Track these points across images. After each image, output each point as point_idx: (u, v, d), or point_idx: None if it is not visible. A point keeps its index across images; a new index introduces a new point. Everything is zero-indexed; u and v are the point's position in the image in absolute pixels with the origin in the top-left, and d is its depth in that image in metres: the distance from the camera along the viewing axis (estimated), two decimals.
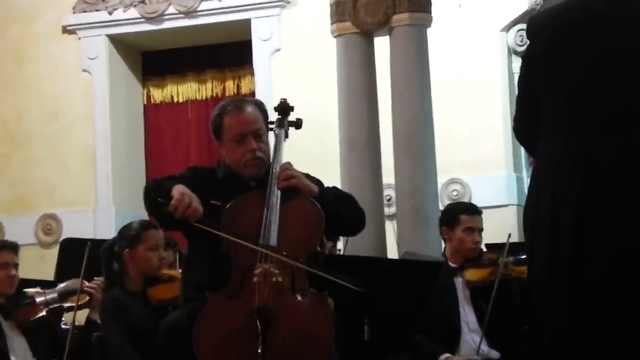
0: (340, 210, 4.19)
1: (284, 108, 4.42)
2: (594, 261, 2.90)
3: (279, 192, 4.09)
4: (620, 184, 2.90)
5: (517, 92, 3.28)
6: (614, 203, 2.90)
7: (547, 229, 2.99)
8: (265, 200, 4.04)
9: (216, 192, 4.13)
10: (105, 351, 4.94)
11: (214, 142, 4.42)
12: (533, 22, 3.19)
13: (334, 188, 4.36)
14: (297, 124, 4.40)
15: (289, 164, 4.21)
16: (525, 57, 3.24)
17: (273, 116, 4.45)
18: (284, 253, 3.96)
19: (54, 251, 6.82)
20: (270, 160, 4.22)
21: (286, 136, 4.36)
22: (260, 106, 4.37)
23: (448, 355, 5.31)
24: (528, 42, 3.23)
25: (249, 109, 4.29)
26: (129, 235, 5.11)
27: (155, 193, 4.06)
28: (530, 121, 3.14)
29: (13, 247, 5.48)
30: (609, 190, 2.91)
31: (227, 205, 4.05)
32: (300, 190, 4.13)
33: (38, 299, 5.37)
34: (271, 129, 4.38)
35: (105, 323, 5.01)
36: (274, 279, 3.89)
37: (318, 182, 4.27)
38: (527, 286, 3.24)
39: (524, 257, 5.06)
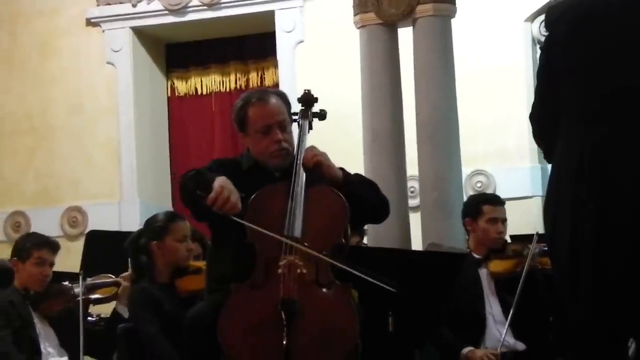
0: (364, 195, 4.18)
1: (307, 99, 4.41)
2: (617, 253, 2.89)
3: (304, 183, 4.09)
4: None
5: (536, 87, 3.24)
6: (637, 195, 2.88)
7: (569, 222, 2.97)
8: (290, 191, 4.04)
9: (241, 183, 4.13)
10: (130, 343, 4.95)
11: (238, 134, 4.41)
12: (552, 12, 3.16)
13: (357, 174, 4.36)
14: (321, 115, 4.40)
15: (313, 146, 4.21)
16: (545, 48, 3.19)
17: (296, 107, 4.44)
18: (307, 245, 3.95)
19: (80, 243, 6.85)
20: (294, 152, 4.22)
21: (310, 127, 4.36)
22: (283, 97, 4.37)
23: (470, 348, 5.29)
24: (547, 32, 3.20)
25: (273, 100, 4.29)
26: (155, 227, 5.11)
27: (195, 184, 4.03)
28: (549, 116, 3.11)
29: (53, 246, 5.48)
30: (631, 183, 2.89)
31: (252, 197, 4.05)
32: (325, 171, 4.12)
33: (67, 292, 5.40)
34: (295, 120, 4.38)
35: (135, 314, 5.00)
36: (298, 270, 3.89)
37: (341, 169, 4.26)
38: (552, 277, 3.22)
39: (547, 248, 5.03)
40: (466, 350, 5.28)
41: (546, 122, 3.15)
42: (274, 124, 4.23)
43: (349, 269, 3.97)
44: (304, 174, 4.11)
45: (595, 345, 2.95)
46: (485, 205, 5.55)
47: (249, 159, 4.32)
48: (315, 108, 4.40)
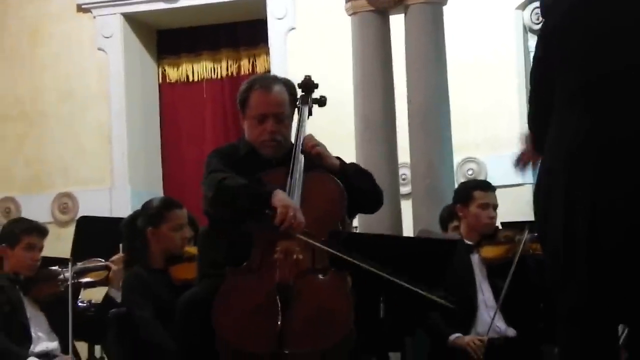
0: (359, 185, 4.19)
1: (308, 85, 4.41)
2: (611, 239, 2.89)
3: (302, 169, 4.09)
4: (636, 163, 2.88)
5: (532, 73, 3.23)
6: (631, 180, 2.88)
7: (562, 208, 2.97)
8: (288, 178, 4.04)
9: (238, 169, 4.13)
10: (121, 327, 4.95)
11: (239, 114, 4.38)
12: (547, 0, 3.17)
13: (353, 164, 4.37)
14: (321, 102, 4.40)
15: (312, 135, 4.22)
16: (541, 35, 3.20)
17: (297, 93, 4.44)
18: (307, 231, 3.95)
19: (70, 229, 6.83)
20: (294, 138, 4.22)
21: (310, 113, 4.35)
22: (289, 88, 4.34)
23: (458, 335, 5.30)
24: (543, 20, 3.20)
25: (276, 89, 4.27)
26: (151, 213, 5.08)
27: (249, 201, 3.97)
28: (543, 104, 3.11)
29: (42, 231, 5.47)
30: (623, 169, 2.89)
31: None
32: (323, 160, 4.13)
33: (56, 276, 5.39)
34: (295, 106, 4.37)
35: (128, 298, 5.00)
36: (295, 256, 3.90)
37: (337, 158, 4.27)
38: (543, 263, 3.22)
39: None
40: (454, 336, 5.30)
41: (540, 109, 3.15)
42: (269, 114, 4.22)
43: (342, 255, 3.97)
44: (303, 160, 4.11)
45: (587, 331, 2.95)
46: (476, 191, 5.56)
47: (246, 145, 4.32)
48: (316, 94, 4.40)
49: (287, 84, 4.37)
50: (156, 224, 5.06)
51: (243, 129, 4.35)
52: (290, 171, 4.05)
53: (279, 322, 3.76)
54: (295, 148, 4.14)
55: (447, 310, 5.31)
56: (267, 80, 4.39)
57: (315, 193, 4.07)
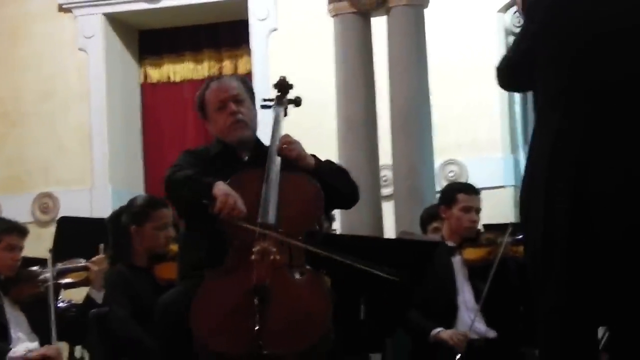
0: (336, 183, 4.20)
1: (283, 85, 4.42)
2: (590, 239, 2.90)
3: (279, 170, 4.09)
4: (614, 165, 2.89)
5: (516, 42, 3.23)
6: (610, 181, 2.90)
7: (542, 209, 2.99)
8: (264, 178, 4.05)
9: (209, 169, 4.14)
10: (102, 327, 4.94)
11: (205, 123, 4.43)
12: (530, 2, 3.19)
13: (329, 161, 4.37)
14: (297, 102, 4.41)
15: (288, 135, 4.23)
16: (529, 13, 3.19)
17: (272, 94, 4.44)
18: (281, 230, 3.96)
19: (51, 229, 6.81)
20: (270, 138, 4.22)
21: (285, 114, 4.37)
22: (242, 79, 4.44)
23: (440, 329, 5.32)
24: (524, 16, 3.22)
25: (226, 79, 4.41)
26: (136, 211, 5.06)
27: (191, 191, 4.02)
28: (527, 56, 3.10)
29: (22, 231, 5.43)
30: (603, 169, 2.91)
31: (226, 183, 4.05)
32: (299, 160, 4.13)
33: (36, 276, 5.37)
34: (269, 107, 4.39)
35: (108, 295, 4.99)
36: (271, 257, 3.90)
37: (313, 156, 4.28)
38: (524, 265, 3.24)
39: (521, 237, 5.06)
40: (435, 331, 5.32)
41: (523, 65, 3.14)
42: (228, 99, 4.27)
43: (322, 252, 3.98)
44: (279, 161, 4.12)
45: (567, 331, 2.96)
46: (460, 194, 5.58)
47: (216, 145, 4.34)
48: (291, 95, 4.41)
49: (239, 77, 4.55)
50: (140, 222, 5.04)
51: (212, 135, 4.38)
52: (266, 172, 4.06)
53: (256, 324, 3.76)
54: (271, 149, 4.14)
55: (428, 310, 5.35)
56: (217, 77, 4.51)
57: (292, 194, 4.08)
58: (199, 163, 4.19)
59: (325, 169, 4.24)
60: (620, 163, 2.88)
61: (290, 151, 4.14)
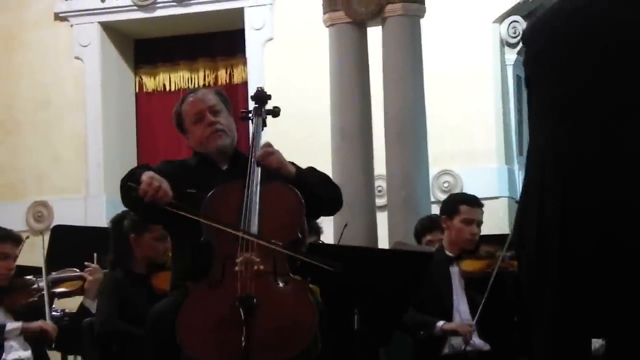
0: (317, 190, 4.19)
1: (260, 96, 4.42)
2: (582, 249, 2.91)
3: (259, 180, 4.09)
4: (604, 175, 2.91)
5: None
6: (598, 193, 2.91)
7: (535, 217, 3.00)
8: (245, 189, 4.05)
9: (189, 180, 4.15)
10: (93, 337, 4.94)
11: (184, 139, 4.44)
12: (530, 29, 3.24)
13: (310, 168, 4.36)
14: (275, 112, 4.41)
15: (269, 143, 4.24)
16: (526, 60, 3.24)
17: (251, 105, 4.47)
18: (264, 237, 3.95)
19: (45, 238, 6.80)
20: (249, 148, 4.23)
21: (264, 124, 4.38)
22: (217, 91, 4.46)
23: (444, 322, 5.33)
24: (524, 45, 3.26)
25: (202, 91, 4.42)
26: (136, 221, 5.05)
27: (126, 180, 4.06)
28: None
29: (16, 239, 5.42)
30: (594, 180, 2.92)
31: (207, 195, 4.05)
32: (279, 167, 4.13)
33: (30, 285, 5.36)
34: (248, 118, 4.40)
35: (98, 297, 5.07)
36: (255, 267, 3.89)
37: (292, 164, 4.27)
38: (519, 279, 3.24)
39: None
40: (441, 323, 5.32)
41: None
42: (204, 110, 4.28)
43: (304, 258, 3.98)
44: (259, 171, 4.12)
45: (560, 341, 2.97)
46: (462, 205, 5.56)
47: (195, 157, 4.35)
48: (269, 105, 4.41)
49: (215, 90, 4.51)
50: (139, 232, 5.05)
51: (190, 148, 4.38)
52: (247, 184, 4.06)
53: (243, 335, 3.76)
54: (251, 160, 4.14)
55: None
56: (192, 91, 4.53)
57: (274, 204, 4.07)
58: (174, 172, 4.19)
59: (305, 176, 4.23)
60: (600, 183, 2.89)
61: (270, 161, 4.13)
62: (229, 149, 4.29)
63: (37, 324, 5.11)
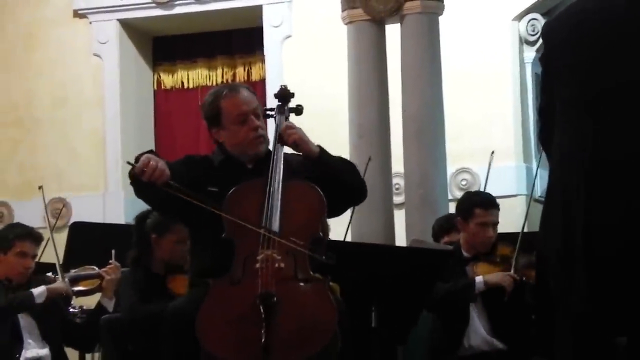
0: (340, 175, 4.15)
1: (284, 94, 4.41)
2: (606, 252, 2.90)
3: (281, 178, 4.07)
4: (627, 179, 2.89)
5: (539, 101, 3.26)
6: (621, 199, 2.89)
7: (560, 218, 2.98)
8: (267, 187, 4.04)
9: (212, 178, 4.14)
10: (114, 334, 4.95)
11: (210, 130, 4.37)
12: (548, 26, 3.21)
13: (336, 156, 4.32)
14: (298, 110, 4.39)
15: (291, 122, 4.22)
16: (542, 59, 3.22)
17: (273, 103, 4.45)
18: (286, 237, 3.95)
19: (63, 235, 6.82)
20: (271, 146, 4.21)
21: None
22: (252, 90, 4.42)
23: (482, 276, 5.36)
24: (544, 44, 3.23)
25: (244, 91, 4.34)
26: (158, 222, 5.06)
27: (130, 166, 4.05)
28: (550, 130, 3.13)
29: (36, 238, 5.43)
30: (619, 184, 2.90)
31: (230, 191, 4.04)
32: (299, 143, 4.10)
33: (48, 282, 5.37)
34: (271, 116, 4.39)
35: (118, 291, 5.14)
36: (276, 265, 3.89)
37: (319, 147, 4.23)
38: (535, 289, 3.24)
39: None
40: (480, 277, 5.32)
41: (547, 134, 3.18)
42: (249, 112, 4.24)
43: (325, 260, 3.97)
44: (282, 169, 4.10)
45: (584, 341, 2.96)
46: (477, 209, 5.48)
47: (220, 153, 4.31)
48: (292, 103, 4.40)
49: (248, 88, 4.46)
50: (160, 233, 5.06)
51: (216, 142, 4.33)
52: (269, 181, 4.05)
53: (263, 332, 3.76)
54: (274, 157, 4.12)
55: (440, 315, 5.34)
56: (231, 86, 4.51)
57: (295, 202, 4.06)
58: (196, 168, 4.18)
59: (330, 160, 4.19)
60: (623, 188, 2.88)
61: (289, 134, 4.11)
62: (264, 153, 4.28)
63: (60, 285, 5.17)
